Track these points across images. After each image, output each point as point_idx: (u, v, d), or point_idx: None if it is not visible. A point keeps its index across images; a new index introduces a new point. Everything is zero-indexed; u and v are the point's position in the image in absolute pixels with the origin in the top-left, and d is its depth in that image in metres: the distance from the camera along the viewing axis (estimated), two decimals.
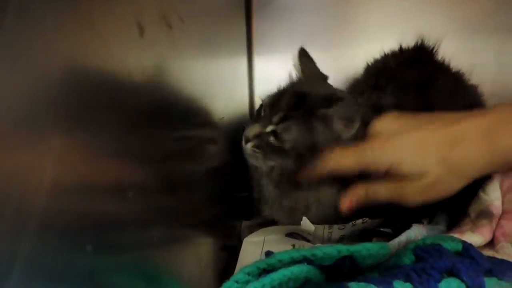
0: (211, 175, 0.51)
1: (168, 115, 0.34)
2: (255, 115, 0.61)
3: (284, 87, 0.60)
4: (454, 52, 0.88)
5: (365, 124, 0.54)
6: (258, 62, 1.02)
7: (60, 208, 0.19)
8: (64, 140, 0.19)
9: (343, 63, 0.97)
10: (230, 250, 0.56)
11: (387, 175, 0.49)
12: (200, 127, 0.47)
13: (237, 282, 0.38)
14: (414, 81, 0.65)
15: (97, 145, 0.22)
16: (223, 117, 0.56)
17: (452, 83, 0.69)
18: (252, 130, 0.55)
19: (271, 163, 0.56)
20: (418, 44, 0.75)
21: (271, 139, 0.54)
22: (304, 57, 0.63)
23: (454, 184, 0.48)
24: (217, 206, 0.54)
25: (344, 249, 0.40)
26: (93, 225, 0.21)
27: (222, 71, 0.66)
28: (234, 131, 0.68)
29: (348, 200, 0.52)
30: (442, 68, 0.73)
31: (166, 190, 0.32)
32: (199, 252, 0.42)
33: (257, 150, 0.55)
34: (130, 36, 0.25)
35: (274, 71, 1.02)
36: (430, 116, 0.51)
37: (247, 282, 0.38)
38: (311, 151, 0.52)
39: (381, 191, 0.50)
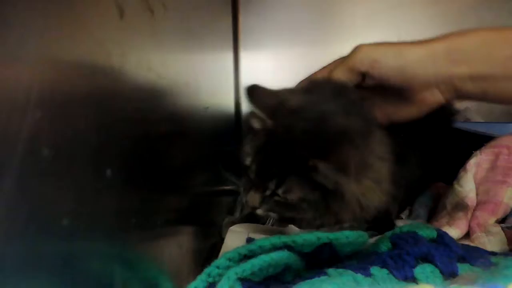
0: (194, 163, 0.51)
1: (149, 101, 0.34)
2: (244, 173, 0.52)
3: (260, 140, 0.49)
4: None
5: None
6: (244, 57, 1.03)
7: (36, 177, 0.19)
8: (40, 114, 0.19)
9: (329, 58, 0.98)
10: (211, 240, 0.57)
11: None
12: (184, 115, 0.48)
13: (218, 267, 0.39)
14: None
15: (75, 122, 0.22)
16: (208, 107, 0.56)
17: None
18: (254, 200, 0.49)
19: (290, 214, 0.52)
20: None
21: (277, 198, 0.49)
22: (254, 93, 0.49)
23: (414, 52, 0.46)
24: (200, 195, 0.54)
25: (324, 236, 0.41)
26: (70, 199, 0.21)
27: (208, 64, 0.66)
28: (219, 123, 0.68)
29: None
30: None
31: (146, 173, 0.32)
32: (180, 238, 0.43)
33: (271, 214, 0.52)
34: (109, 16, 0.25)
35: (261, 66, 1.04)
36: None
37: (228, 267, 0.39)
38: (323, 195, 0.47)
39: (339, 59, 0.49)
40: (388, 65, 0.46)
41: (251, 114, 0.49)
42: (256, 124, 0.49)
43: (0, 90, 0.17)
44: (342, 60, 0.49)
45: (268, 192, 0.49)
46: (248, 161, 0.49)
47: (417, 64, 0.45)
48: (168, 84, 0.39)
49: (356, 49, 0.48)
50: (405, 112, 0.49)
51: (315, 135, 0.45)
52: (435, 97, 0.47)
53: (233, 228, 0.58)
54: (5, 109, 0.17)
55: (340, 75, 0.49)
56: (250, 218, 0.62)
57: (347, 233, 0.41)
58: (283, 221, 0.57)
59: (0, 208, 0.17)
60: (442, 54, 0.44)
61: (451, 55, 0.44)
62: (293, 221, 0.56)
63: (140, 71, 0.31)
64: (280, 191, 0.47)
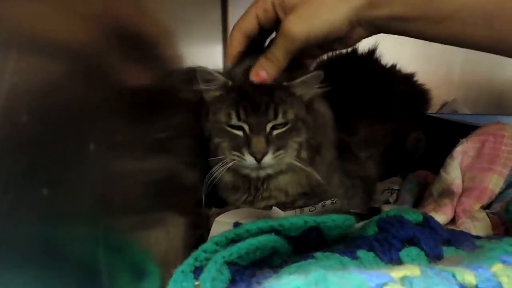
0: (182, 146, 0.51)
1: (136, 82, 0.34)
2: (227, 137, 0.56)
3: (230, 97, 0.56)
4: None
5: None
6: None
7: (15, 144, 0.19)
8: (18, 79, 0.19)
9: None
10: (199, 229, 0.56)
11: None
12: (173, 104, 0.48)
13: (205, 251, 0.39)
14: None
15: (55, 91, 0.22)
16: (195, 95, 0.56)
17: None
18: (260, 144, 0.53)
19: (293, 152, 0.56)
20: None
21: (276, 130, 0.55)
22: (204, 73, 0.56)
23: (335, 11, 0.47)
24: (188, 179, 0.54)
25: (311, 219, 0.41)
26: (50, 169, 0.21)
27: (197, 57, 0.66)
28: None
29: (255, 73, 0.52)
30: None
31: (131, 152, 0.32)
32: (167, 222, 0.42)
33: (280, 152, 0.54)
34: None
35: None
36: None
37: (215, 251, 0.39)
38: (307, 107, 0.57)
39: (274, 46, 0.50)
40: (321, 34, 0.48)
41: (202, 91, 0.57)
42: (209, 95, 0.57)
43: None
44: (280, 44, 0.50)
45: (269, 126, 0.54)
46: (233, 117, 0.54)
47: (342, 21, 0.47)
48: (157, 75, 0.39)
49: (290, 29, 0.48)
50: (335, 47, 0.54)
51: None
52: (359, 34, 0.50)
53: (219, 218, 0.58)
54: None
55: (284, 60, 0.51)
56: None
57: (333, 216, 0.41)
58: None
59: None
60: (363, 2, 0.46)
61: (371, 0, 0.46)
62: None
63: (129, 56, 0.31)
64: (279, 116, 0.54)
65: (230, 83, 0.55)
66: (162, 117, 0.42)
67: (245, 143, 0.54)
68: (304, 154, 0.57)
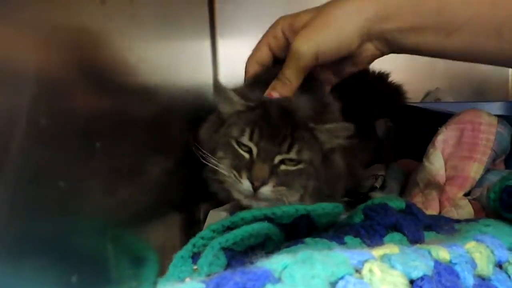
0: (175, 142, 0.53)
1: (131, 83, 0.36)
2: (231, 155, 0.52)
3: (249, 116, 0.52)
4: None
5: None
6: (221, 44, 1.04)
7: (36, 143, 0.22)
8: (37, 89, 0.21)
9: None
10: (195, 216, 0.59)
11: None
12: (165, 98, 0.49)
13: (202, 238, 0.41)
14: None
15: (66, 98, 0.24)
16: (187, 90, 0.58)
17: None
18: (262, 171, 0.49)
19: (296, 193, 0.53)
20: None
21: (283, 167, 0.51)
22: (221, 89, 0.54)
23: (345, 24, 0.48)
24: (184, 173, 0.56)
25: (302, 208, 0.43)
26: (65, 165, 0.24)
27: (186, 52, 0.67)
28: (198, 108, 0.70)
29: (267, 94, 0.52)
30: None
31: (131, 147, 0.35)
32: (165, 213, 0.45)
33: (279, 188, 0.50)
34: (91, 2, 0.27)
35: (238, 53, 1.04)
36: None
37: (212, 238, 0.41)
38: (324, 157, 0.53)
39: (285, 67, 0.51)
40: (331, 49, 0.48)
41: (218, 102, 0.54)
42: (226, 109, 0.54)
43: (4, 72, 0.20)
44: (290, 64, 0.50)
45: (278, 158, 0.50)
46: (245, 135, 0.51)
47: (353, 34, 0.47)
48: (148, 67, 0.41)
49: (298, 47, 0.48)
50: (347, 70, 0.54)
51: (308, 108, 0.53)
52: (370, 52, 0.50)
53: (214, 210, 0.60)
54: (9, 86, 0.20)
55: (296, 80, 0.51)
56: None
57: (323, 204, 0.43)
58: None
59: (8, 168, 0.20)
60: (373, 15, 0.46)
61: (381, 12, 0.46)
62: None
63: (121, 56, 0.33)
64: (293, 152, 0.51)
65: (252, 104, 0.53)
66: (158, 121, 0.44)
67: (247, 166, 0.50)
68: (307, 200, 0.54)
